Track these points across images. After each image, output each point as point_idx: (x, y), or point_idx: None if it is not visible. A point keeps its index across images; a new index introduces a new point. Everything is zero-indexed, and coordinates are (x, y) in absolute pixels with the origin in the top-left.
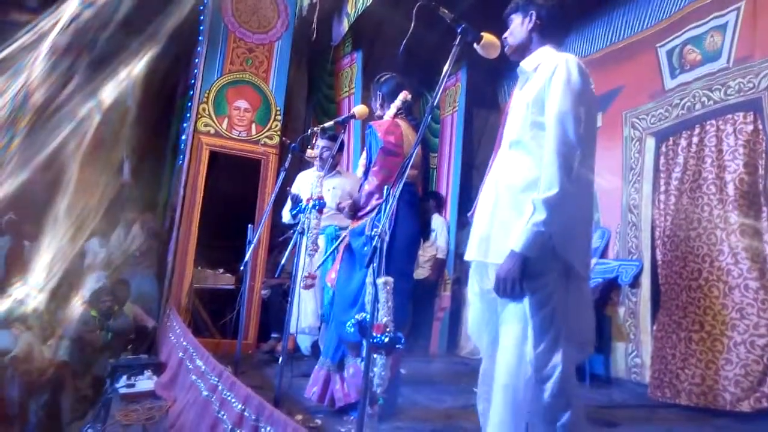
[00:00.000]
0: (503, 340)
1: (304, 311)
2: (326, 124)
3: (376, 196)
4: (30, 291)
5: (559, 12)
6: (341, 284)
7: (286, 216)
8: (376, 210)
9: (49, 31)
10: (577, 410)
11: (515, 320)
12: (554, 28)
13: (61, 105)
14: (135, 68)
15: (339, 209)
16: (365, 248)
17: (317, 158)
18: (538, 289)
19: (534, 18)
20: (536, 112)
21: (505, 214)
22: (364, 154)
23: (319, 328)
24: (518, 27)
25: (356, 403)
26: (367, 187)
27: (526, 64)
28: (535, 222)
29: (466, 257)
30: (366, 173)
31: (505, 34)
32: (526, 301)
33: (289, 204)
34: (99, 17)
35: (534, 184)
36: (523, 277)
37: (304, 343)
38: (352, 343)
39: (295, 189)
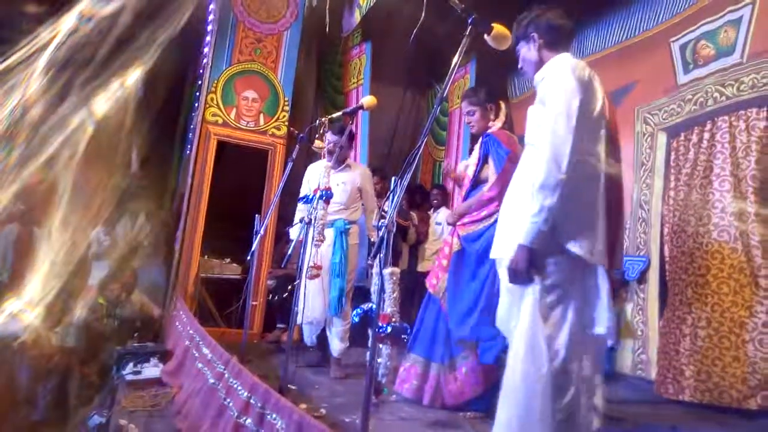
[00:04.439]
0: (517, 327)
1: (312, 303)
2: (334, 115)
3: (497, 202)
4: (24, 306)
5: (557, 20)
6: (458, 288)
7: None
8: (494, 216)
9: (52, 36)
10: (577, 395)
11: (527, 308)
12: (558, 38)
13: (65, 104)
14: (143, 60)
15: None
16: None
17: (326, 152)
18: (545, 277)
19: (537, 38)
20: (540, 115)
21: (516, 211)
22: (473, 159)
23: (326, 320)
24: (527, 53)
25: (471, 400)
26: (487, 193)
27: (537, 77)
28: (532, 213)
29: (491, 256)
30: (474, 178)
31: (520, 65)
32: (535, 288)
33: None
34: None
35: None
36: (529, 266)
37: (309, 334)
38: (469, 343)
39: (305, 180)
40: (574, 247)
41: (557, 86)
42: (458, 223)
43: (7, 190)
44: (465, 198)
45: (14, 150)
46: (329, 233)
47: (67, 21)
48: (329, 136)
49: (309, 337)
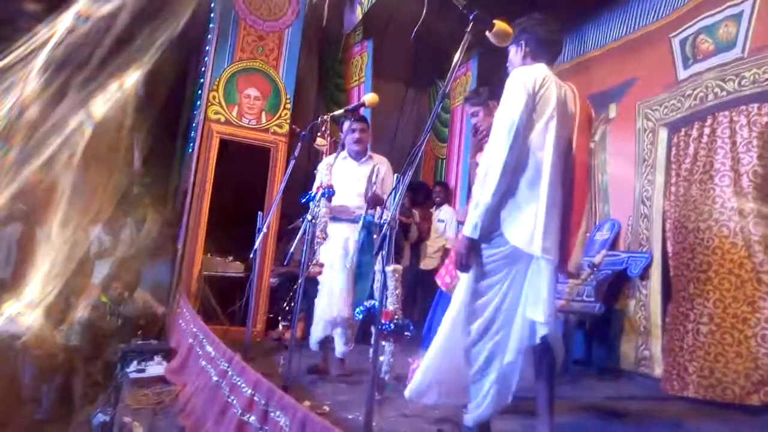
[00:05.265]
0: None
1: (335, 298)
2: (336, 113)
3: None
4: (23, 309)
5: (547, 37)
6: None
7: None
8: None
9: (50, 35)
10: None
11: (462, 285)
12: (542, 51)
13: (63, 104)
14: (142, 61)
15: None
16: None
17: (353, 143)
18: (481, 264)
19: (524, 46)
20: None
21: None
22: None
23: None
24: (513, 56)
25: None
26: None
27: None
28: (472, 207)
29: None
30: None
31: (507, 64)
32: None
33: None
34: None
35: None
36: (470, 253)
37: (315, 337)
38: None
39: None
40: (514, 239)
41: (505, 99)
42: None
43: (5, 190)
44: None
45: (11, 150)
46: (356, 229)
47: (65, 20)
48: (354, 125)
49: (316, 340)
